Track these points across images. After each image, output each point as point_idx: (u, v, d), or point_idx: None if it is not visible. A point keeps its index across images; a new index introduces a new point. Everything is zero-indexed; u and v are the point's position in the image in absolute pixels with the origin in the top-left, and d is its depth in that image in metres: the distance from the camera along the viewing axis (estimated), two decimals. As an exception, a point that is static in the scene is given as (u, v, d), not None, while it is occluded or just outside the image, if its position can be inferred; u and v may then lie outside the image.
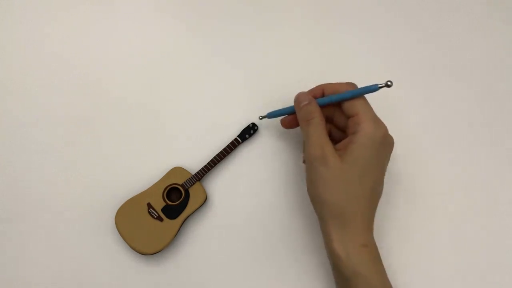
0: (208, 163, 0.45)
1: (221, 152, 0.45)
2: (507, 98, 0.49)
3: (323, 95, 0.39)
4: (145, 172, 0.46)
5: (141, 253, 0.42)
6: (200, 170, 0.45)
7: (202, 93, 0.49)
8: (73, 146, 0.47)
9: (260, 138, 0.48)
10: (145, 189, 0.45)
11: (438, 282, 0.43)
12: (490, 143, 0.47)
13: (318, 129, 0.37)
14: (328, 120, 0.41)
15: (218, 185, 0.46)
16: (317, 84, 0.40)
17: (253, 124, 0.47)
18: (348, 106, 0.37)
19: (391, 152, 0.37)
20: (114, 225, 0.45)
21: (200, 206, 0.44)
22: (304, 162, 0.42)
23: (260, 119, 0.45)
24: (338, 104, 0.39)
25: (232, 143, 0.46)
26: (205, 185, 0.46)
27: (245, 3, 0.52)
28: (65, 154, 0.47)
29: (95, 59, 0.50)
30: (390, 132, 0.37)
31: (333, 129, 0.42)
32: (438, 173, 0.46)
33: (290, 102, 0.41)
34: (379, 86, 0.34)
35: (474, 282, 0.43)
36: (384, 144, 0.36)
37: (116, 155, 0.47)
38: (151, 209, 0.43)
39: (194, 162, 0.46)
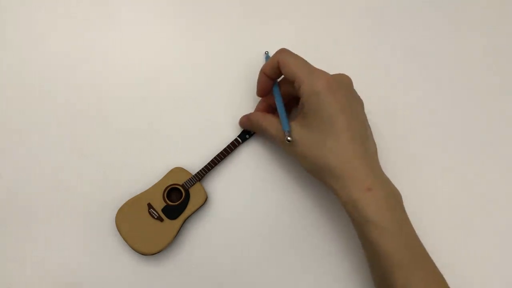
0: (209, 164, 0.45)
1: (221, 152, 0.45)
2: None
3: (268, 77, 0.40)
4: (145, 172, 0.46)
5: (141, 253, 0.42)
6: (200, 171, 0.45)
7: (202, 93, 0.49)
8: (73, 146, 0.47)
9: (260, 138, 0.48)
10: (146, 189, 0.45)
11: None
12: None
13: (264, 122, 0.40)
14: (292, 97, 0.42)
15: (219, 186, 0.46)
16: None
17: (253, 124, 0.47)
18: (287, 74, 0.37)
19: (350, 89, 0.37)
20: (115, 225, 0.45)
21: (201, 207, 0.44)
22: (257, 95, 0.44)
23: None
24: (287, 81, 0.40)
25: (232, 143, 0.46)
26: (206, 185, 0.46)
27: (246, 3, 0.52)
28: (65, 154, 0.47)
29: (95, 59, 0.50)
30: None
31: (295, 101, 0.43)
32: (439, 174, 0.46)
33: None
34: (265, 52, 0.42)
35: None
36: (332, 89, 0.34)
37: (116, 155, 0.47)
38: (151, 209, 0.43)
39: (194, 162, 0.46)
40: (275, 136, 0.39)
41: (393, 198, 0.34)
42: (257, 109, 0.45)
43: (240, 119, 0.46)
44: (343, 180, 0.34)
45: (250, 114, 0.44)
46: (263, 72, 0.40)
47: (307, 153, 0.35)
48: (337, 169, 0.34)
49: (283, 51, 0.38)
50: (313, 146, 0.35)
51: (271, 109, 0.45)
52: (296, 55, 0.38)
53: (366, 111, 0.39)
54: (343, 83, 0.36)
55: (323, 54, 0.50)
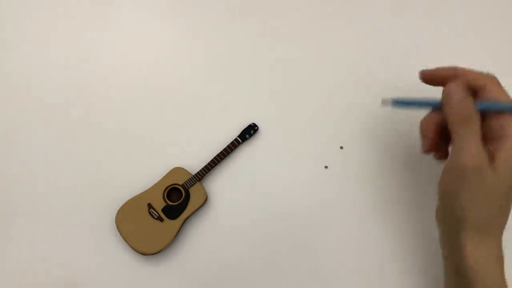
0: (209, 163, 0.45)
1: (221, 152, 0.45)
2: None
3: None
4: (146, 172, 0.46)
5: (141, 253, 0.42)
6: (200, 170, 0.45)
7: (202, 93, 0.49)
8: (73, 146, 0.47)
9: (260, 138, 0.48)
10: (146, 189, 0.45)
11: None
12: None
13: (475, 134, 0.31)
14: None
15: (219, 186, 0.46)
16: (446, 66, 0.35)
17: (253, 124, 0.47)
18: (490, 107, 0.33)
19: None
20: (115, 225, 0.45)
21: (201, 206, 0.44)
22: (425, 151, 0.38)
23: (382, 103, 0.37)
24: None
25: (232, 143, 0.46)
26: (206, 185, 0.46)
27: (246, 3, 0.52)
28: (65, 154, 0.47)
29: (95, 60, 0.50)
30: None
31: None
32: None
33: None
34: None
35: None
36: None
37: (116, 155, 0.47)
38: (151, 209, 0.43)
39: (194, 162, 0.46)
40: (470, 154, 0.31)
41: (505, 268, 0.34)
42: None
43: (454, 85, 0.33)
44: (484, 241, 0.32)
45: (470, 98, 0.33)
46: (454, 71, 0.35)
47: (482, 196, 0.31)
48: (489, 228, 0.32)
49: (494, 79, 0.34)
50: (490, 192, 0.32)
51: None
52: (506, 92, 0.33)
53: None
54: None
55: (317, 52, 0.51)
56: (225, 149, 0.46)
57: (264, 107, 0.49)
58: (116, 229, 0.44)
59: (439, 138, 0.37)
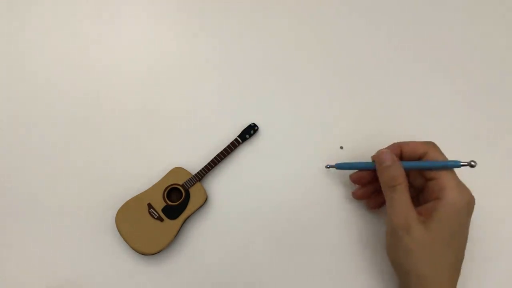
0: (209, 163, 0.45)
1: (221, 152, 0.45)
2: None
3: (401, 154, 0.39)
4: (146, 172, 0.46)
5: (141, 253, 0.42)
6: (200, 170, 0.45)
7: (202, 93, 0.49)
8: (73, 146, 0.47)
9: (260, 138, 0.48)
10: (146, 189, 0.45)
11: None
12: None
13: (403, 196, 0.35)
14: None
15: (219, 185, 0.46)
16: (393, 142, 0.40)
17: (253, 124, 0.47)
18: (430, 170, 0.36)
19: (472, 212, 0.36)
20: (115, 225, 0.45)
21: (201, 207, 0.44)
22: (353, 195, 0.43)
23: (327, 168, 0.44)
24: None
25: (232, 143, 0.46)
26: (206, 185, 0.46)
27: (246, 3, 0.52)
28: (65, 154, 0.47)
29: (96, 60, 0.50)
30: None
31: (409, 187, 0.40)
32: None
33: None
34: (461, 164, 0.34)
35: None
36: (469, 210, 0.35)
37: (116, 155, 0.47)
38: (151, 209, 0.43)
39: (194, 162, 0.46)
40: (397, 214, 0.35)
41: None
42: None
43: (383, 153, 0.37)
44: None
45: (397, 162, 0.37)
46: (399, 145, 0.38)
47: (414, 252, 0.34)
48: (431, 285, 0.34)
49: (433, 145, 0.37)
50: (424, 251, 0.34)
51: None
52: (445, 155, 0.37)
53: None
54: (473, 205, 0.36)
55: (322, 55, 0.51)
56: (225, 149, 0.46)
57: (264, 107, 0.49)
58: (116, 229, 0.44)
59: (370, 190, 0.42)
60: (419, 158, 0.37)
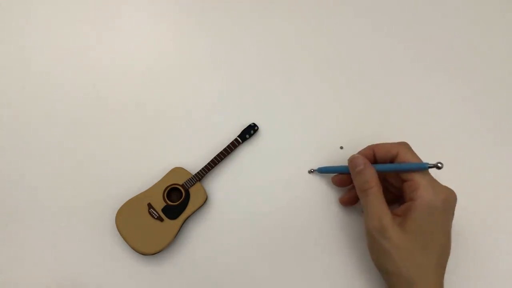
0: (209, 163, 0.45)
1: (221, 152, 0.45)
2: None
3: (374, 156, 0.39)
4: (146, 172, 0.46)
5: (141, 253, 0.42)
6: (200, 170, 0.45)
7: (202, 93, 0.49)
8: (73, 147, 0.47)
9: (260, 138, 0.48)
10: (146, 189, 0.45)
11: None
12: None
13: (375, 199, 0.36)
14: (382, 178, 0.40)
15: (219, 185, 0.46)
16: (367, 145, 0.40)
17: (253, 124, 0.47)
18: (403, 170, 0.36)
19: (454, 208, 0.36)
20: (115, 225, 0.45)
21: (201, 207, 0.44)
22: (340, 201, 0.44)
23: (310, 172, 0.46)
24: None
25: (232, 143, 0.46)
26: (206, 185, 0.46)
27: (247, 4, 0.52)
28: (65, 154, 0.47)
29: (96, 60, 0.50)
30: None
31: (390, 186, 0.41)
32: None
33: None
34: (428, 166, 0.34)
35: None
36: (446, 207, 0.35)
37: (116, 155, 0.47)
38: (151, 209, 0.43)
39: (194, 162, 0.46)
40: (372, 217, 0.36)
41: None
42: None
43: (354, 158, 0.38)
44: None
45: (368, 166, 0.37)
46: (372, 148, 0.39)
47: (393, 254, 0.34)
48: (415, 286, 0.34)
49: (405, 145, 0.38)
50: (402, 252, 0.34)
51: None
52: (417, 155, 0.37)
53: None
54: (453, 201, 0.36)
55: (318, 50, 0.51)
56: (225, 149, 0.46)
57: (264, 107, 0.49)
58: (116, 229, 0.44)
59: (355, 194, 0.41)
60: (392, 159, 0.38)
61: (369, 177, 0.36)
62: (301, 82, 0.50)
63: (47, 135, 0.48)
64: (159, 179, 0.45)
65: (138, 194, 0.44)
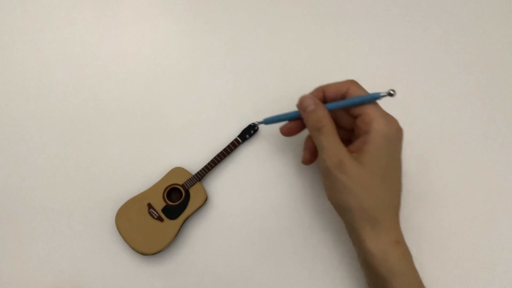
0: (209, 163, 0.45)
1: (221, 152, 0.45)
2: None
3: (324, 97, 0.39)
4: (146, 172, 0.46)
5: (141, 253, 0.42)
6: (200, 170, 0.45)
7: (202, 93, 0.49)
8: (73, 146, 0.47)
9: (260, 138, 0.48)
10: (146, 189, 0.45)
11: (457, 280, 0.43)
12: (501, 142, 0.47)
13: (330, 137, 0.35)
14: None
15: (219, 185, 0.46)
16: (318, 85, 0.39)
17: (253, 124, 0.47)
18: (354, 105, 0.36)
19: (402, 141, 0.36)
20: (115, 225, 0.45)
21: (201, 207, 0.44)
22: (303, 162, 0.42)
23: (255, 125, 0.45)
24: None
25: (232, 143, 0.46)
26: (206, 185, 0.46)
27: (247, 4, 0.52)
28: (65, 155, 0.47)
29: (96, 60, 0.50)
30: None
31: (339, 129, 0.40)
32: (447, 173, 0.46)
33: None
34: (381, 95, 0.34)
35: (494, 278, 0.43)
36: (400, 138, 0.35)
37: (116, 155, 0.47)
38: (151, 209, 0.43)
39: (194, 162, 0.46)
40: (329, 154, 0.35)
41: (408, 249, 0.36)
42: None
43: (304, 98, 0.38)
44: (377, 229, 0.34)
45: (320, 105, 0.37)
46: (321, 89, 0.38)
47: (354, 188, 0.34)
48: (377, 217, 0.34)
49: (354, 82, 0.37)
50: (363, 185, 0.34)
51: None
52: (366, 90, 0.37)
53: None
54: (402, 134, 0.36)
55: (325, 54, 0.51)
56: (225, 149, 0.46)
57: (264, 107, 0.48)
58: (116, 229, 0.44)
59: (298, 125, 0.41)
60: (342, 98, 0.37)
61: (322, 115, 0.36)
62: (301, 82, 0.49)
63: (46, 135, 0.48)
64: (159, 179, 0.45)
65: (138, 194, 0.44)
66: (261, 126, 0.48)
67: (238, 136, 0.46)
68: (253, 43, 0.51)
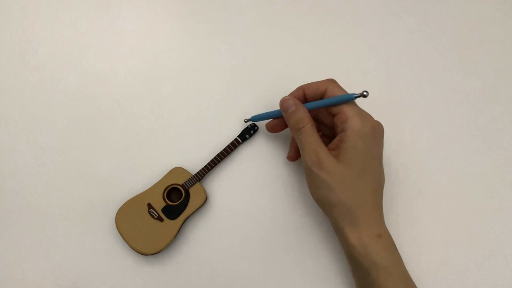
0: (209, 163, 0.45)
1: (221, 152, 0.45)
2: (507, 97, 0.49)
3: (304, 96, 0.40)
4: (146, 172, 0.46)
5: (141, 253, 0.42)
6: (200, 170, 0.45)
7: (202, 93, 0.49)
8: (73, 147, 0.47)
9: (260, 138, 0.48)
10: (146, 189, 0.45)
11: (447, 270, 0.43)
12: (487, 139, 0.47)
13: (310, 136, 0.37)
14: (315, 119, 0.41)
15: (218, 185, 0.46)
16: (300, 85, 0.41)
17: (253, 125, 0.47)
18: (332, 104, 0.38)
19: (383, 138, 0.38)
20: (115, 225, 0.45)
21: (200, 207, 0.44)
22: (288, 158, 0.45)
23: (246, 122, 0.46)
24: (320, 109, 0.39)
25: (232, 143, 0.46)
26: (205, 185, 0.46)
27: (245, 4, 0.52)
28: (65, 155, 0.47)
29: (96, 60, 0.50)
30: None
31: (322, 126, 0.42)
32: (438, 169, 0.46)
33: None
34: (355, 95, 0.36)
35: (481, 266, 0.43)
36: (375, 134, 0.36)
37: (116, 155, 0.47)
38: (151, 209, 0.43)
39: (194, 162, 0.46)
40: (308, 152, 0.37)
41: (393, 243, 0.37)
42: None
43: (285, 100, 0.39)
44: (358, 224, 0.35)
45: (300, 106, 0.38)
46: (302, 88, 0.40)
47: (333, 185, 0.35)
48: (357, 212, 0.35)
49: (332, 81, 0.39)
50: (341, 182, 0.35)
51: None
52: (344, 89, 0.38)
53: None
54: (381, 130, 0.37)
55: (324, 53, 0.51)
56: (225, 149, 0.46)
57: (264, 107, 0.48)
58: (116, 229, 0.44)
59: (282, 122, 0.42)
60: (322, 96, 0.39)
61: (302, 116, 0.37)
62: (301, 83, 0.49)
63: (46, 134, 0.48)
64: (159, 179, 0.45)
65: (138, 194, 0.44)
66: (261, 127, 0.48)
67: (238, 136, 0.46)
68: (253, 43, 0.51)
